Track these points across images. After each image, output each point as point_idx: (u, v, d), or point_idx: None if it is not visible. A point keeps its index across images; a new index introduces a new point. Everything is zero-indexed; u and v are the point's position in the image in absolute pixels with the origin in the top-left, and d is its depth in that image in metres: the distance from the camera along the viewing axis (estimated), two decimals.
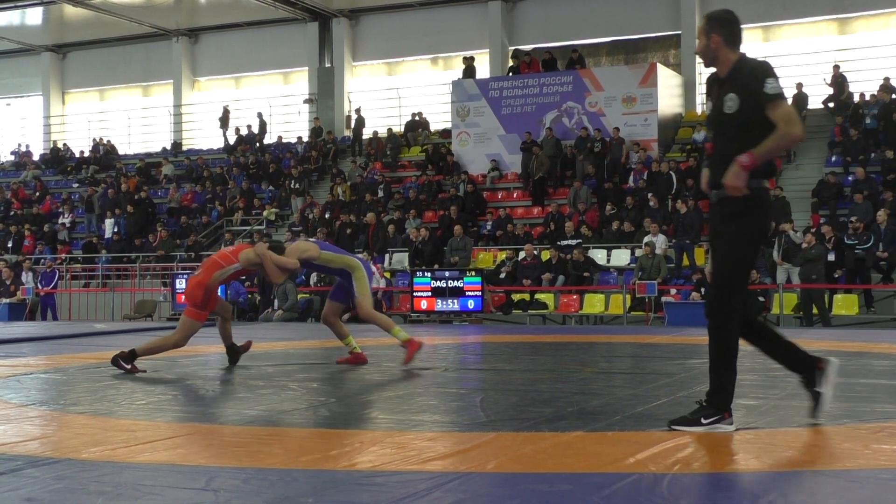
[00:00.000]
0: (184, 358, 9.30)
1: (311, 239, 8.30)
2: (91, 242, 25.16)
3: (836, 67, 23.03)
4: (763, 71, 4.47)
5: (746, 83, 4.47)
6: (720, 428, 4.41)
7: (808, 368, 4.60)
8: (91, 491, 3.33)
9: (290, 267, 7.72)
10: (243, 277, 8.13)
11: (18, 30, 32.73)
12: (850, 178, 19.81)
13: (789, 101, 5.27)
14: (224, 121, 30.20)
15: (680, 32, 25.75)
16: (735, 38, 4.61)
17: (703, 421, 4.42)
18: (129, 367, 7.43)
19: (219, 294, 8.04)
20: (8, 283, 20.46)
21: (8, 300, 19.88)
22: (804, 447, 4.07)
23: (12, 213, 28.29)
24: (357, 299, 7.86)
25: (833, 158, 21.17)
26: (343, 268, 7.91)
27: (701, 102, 25.66)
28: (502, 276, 18.67)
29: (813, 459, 3.79)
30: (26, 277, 20.96)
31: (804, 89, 22.67)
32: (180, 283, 19.29)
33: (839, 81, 22.80)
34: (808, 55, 24.79)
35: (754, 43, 25.74)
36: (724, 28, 4.60)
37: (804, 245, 16.13)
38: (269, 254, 7.58)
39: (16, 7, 30.37)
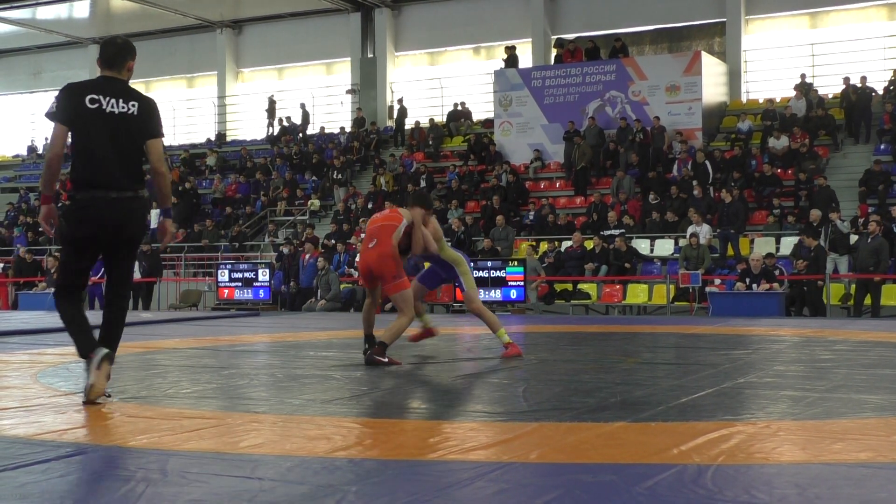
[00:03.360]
0: (228, 347, 9.40)
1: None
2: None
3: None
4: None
5: None
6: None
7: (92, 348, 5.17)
8: (138, 478, 3.37)
9: (431, 249, 7.67)
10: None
11: (66, 23, 33.20)
12: None
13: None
14: (271, 112, 30.42)
15: (725, 20, 25.44)
16: (103, 60, 5.27)
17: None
18: (386, 360, 7.20)
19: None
20: (52, 271, 20.79)
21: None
22: (851, 439, 4.01)
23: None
24: (466, 293, 7.83)
25: (882, 146, 20.82)
26: (448, 261, 7.91)
27: (746, 91, 25.37)
28: (544, 265, 18.64)
29: (861, 451, 3.74)
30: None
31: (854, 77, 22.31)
32: (223, 275, 19.47)
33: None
34: (858, 42, 24.41)
35: (801, 30, 25.39)
36: (99, 52, 5.32)
37: (852, 234, 15.87)
38: (428, 232, 7.62)
39: (64, 0, 30.81)
